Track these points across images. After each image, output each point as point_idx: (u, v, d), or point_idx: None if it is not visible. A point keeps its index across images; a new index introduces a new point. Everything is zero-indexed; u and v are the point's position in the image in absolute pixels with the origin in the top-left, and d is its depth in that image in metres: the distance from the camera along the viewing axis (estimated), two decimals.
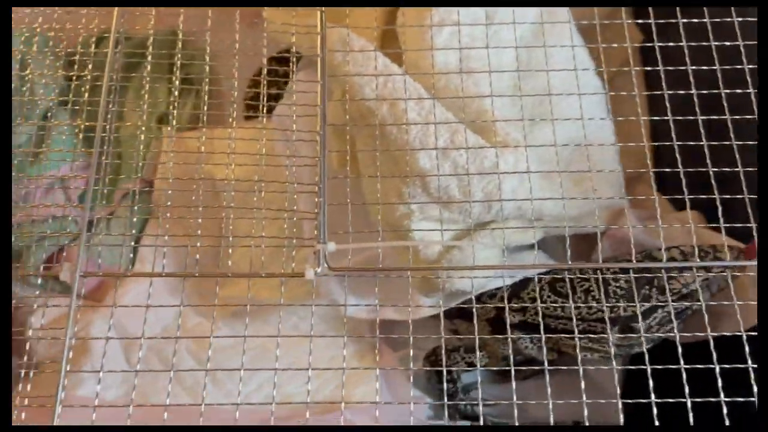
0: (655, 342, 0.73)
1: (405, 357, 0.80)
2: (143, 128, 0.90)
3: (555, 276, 0.73)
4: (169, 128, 0.92)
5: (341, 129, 0.73)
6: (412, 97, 0.69)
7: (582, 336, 0.71)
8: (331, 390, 0.81)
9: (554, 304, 0.72)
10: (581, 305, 0.70)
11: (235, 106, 0.72)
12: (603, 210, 0.79)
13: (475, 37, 0.75)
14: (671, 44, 0.70)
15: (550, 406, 0.59)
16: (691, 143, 0.65)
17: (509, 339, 0.76)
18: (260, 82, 0.85)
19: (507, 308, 0.65)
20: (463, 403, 0.82)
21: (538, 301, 0.73)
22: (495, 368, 0.81)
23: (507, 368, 0.79)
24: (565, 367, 0.62)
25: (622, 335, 0.71)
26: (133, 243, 0.87)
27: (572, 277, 0.72)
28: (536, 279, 0.73)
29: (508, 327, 0.66)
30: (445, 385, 0.81)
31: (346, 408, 0.78)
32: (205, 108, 0.74)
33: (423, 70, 0.73)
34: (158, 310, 0.69)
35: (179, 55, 0.76)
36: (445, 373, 0.80)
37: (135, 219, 0.88)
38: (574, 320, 0.64)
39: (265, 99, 0.73)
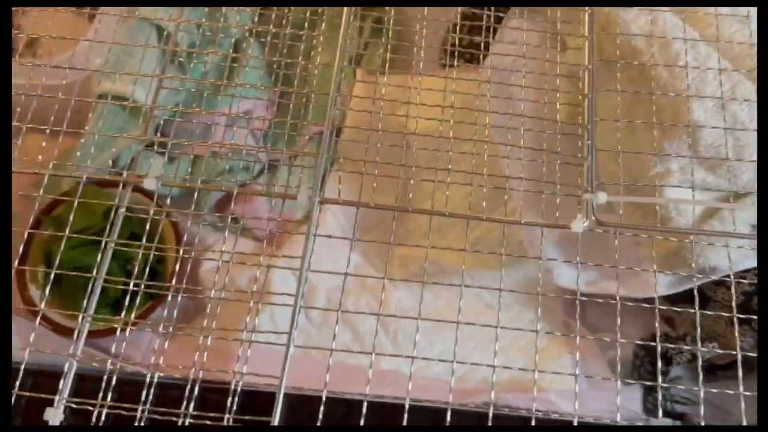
0: None
1: (601, 341, 0.71)
2: (337, 68, 0.84)
3: None
4: (360, 71, 0.85)
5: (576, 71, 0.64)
6: (687, 38, 0.60)
7: None
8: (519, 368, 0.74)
9: None
10: None
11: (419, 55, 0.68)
12: None
13: None
14: None
15: None
16: None
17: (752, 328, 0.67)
18: (462, 29, 0.79)
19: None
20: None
21: None
22: (723, 362, 0.71)
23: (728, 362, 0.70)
24: None
25: None
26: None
27: None
28: None
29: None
30: (643, 369, 0.72)
31: (542, 392, 0.72)
32: (392, 54, 0.70)
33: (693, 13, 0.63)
34: (337, 264, 0.65)
35: None
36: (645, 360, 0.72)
37: (322, 163, 0.81)
38: None
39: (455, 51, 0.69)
